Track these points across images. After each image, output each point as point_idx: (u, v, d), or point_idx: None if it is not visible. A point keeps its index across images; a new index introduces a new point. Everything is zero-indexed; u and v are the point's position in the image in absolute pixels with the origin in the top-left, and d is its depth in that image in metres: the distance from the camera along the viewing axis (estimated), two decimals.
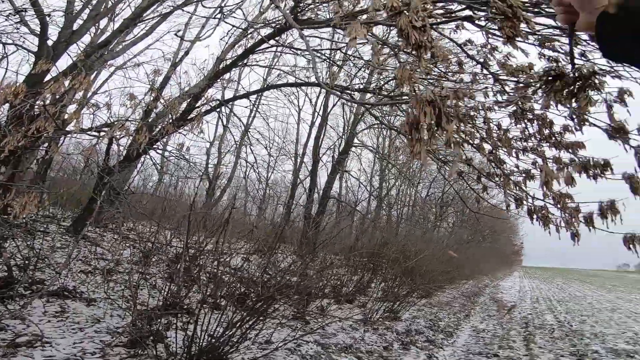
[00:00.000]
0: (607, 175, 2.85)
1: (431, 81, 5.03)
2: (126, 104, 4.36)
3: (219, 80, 7.12)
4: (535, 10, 2.84)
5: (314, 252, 6.92)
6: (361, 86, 8.20)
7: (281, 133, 18.20)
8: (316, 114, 15.23)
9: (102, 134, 3.83)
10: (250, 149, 13.24)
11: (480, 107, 4.02)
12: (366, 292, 6.69)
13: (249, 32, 6.52)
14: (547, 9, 2.87)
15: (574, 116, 2.94)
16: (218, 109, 7.74)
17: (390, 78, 6.06)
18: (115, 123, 3.66)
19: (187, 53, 8.91)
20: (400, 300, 6.05)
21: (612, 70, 2.87)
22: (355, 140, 14.07)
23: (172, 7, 6.52)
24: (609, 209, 2.61)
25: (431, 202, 19.99)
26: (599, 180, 2.94)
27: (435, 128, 1.68)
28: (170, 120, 5.10)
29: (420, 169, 17.45)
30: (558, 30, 3.03)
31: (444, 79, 4.56)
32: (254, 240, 6.12)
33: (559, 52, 3.11)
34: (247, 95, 8.03)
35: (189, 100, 5.99)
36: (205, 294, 3.05)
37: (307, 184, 14.56)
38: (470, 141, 3.97)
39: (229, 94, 9.87)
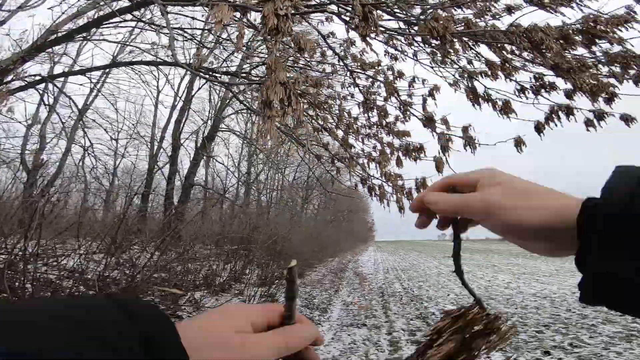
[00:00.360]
0: (422, 157, 3.63)
1: (298, 69, 5.27)
2: None
3: (47, 54, 5.61)
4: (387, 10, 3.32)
5: (178, 243, 6.38)
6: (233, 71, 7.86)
7: (134, 116, 15.68)
8: (178, 96, 13.80)
9: None
10: (84, 132, 10.99)
11: (336, 97, 4.52)
12: (241, 279, 6.64)
13: (100, 3, 5.32)
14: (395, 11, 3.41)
15: (402, 107, 3.61)
16: (40, 86, 6.08)
17: (258, 63, 6.03)
18: None
19: (2, 22, 6.72)
20: (275, 282, 6.27)
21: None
22: (223, 126, 13.47)
23: None
24: (421, 185, 3.35)
25: (298, 186, 21.18)
26: (418, 162, 3.69)
27: (286, 105, 1.81)
28: None
29: (287, 155, 18.14)
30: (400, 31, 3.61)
31: (308, 67, 4.83)
32: (97, 237, 5.18)
33: (399, 50, 3.76)
34: (83, 72, 6.58)
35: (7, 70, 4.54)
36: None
37: (167, 171, 13.14)
38: (325, 127, 4.37)
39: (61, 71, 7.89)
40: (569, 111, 2.82)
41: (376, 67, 4.52)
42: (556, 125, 2.91)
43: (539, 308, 6.20)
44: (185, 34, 6.24)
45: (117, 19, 5.40)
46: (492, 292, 8.32)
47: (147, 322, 0.27)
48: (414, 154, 4.08)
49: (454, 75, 3.55)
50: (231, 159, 18.10)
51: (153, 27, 6.08)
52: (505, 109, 3.11)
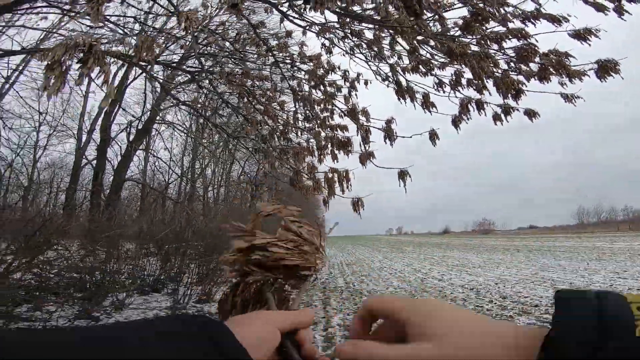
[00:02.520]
0: (350, 149, 3.72)
1: (233, 60, 5.12)
2: None
3: None
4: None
5: (107, 242, 5.86)
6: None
7: (60, 106, 14.10)
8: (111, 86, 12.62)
9: None
10: (2, 123, 9.68)
11: (275, 89, 4.48)
12: (177, 278, 6.30)
13: None
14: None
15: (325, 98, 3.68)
16: None
17: (192, 54, 5.74)
18: None
19: None
20: (212, 280, 6.03)
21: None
22: (161, 118, 12.66)
23: None
24: (344, 178, 3.43)
25: (246, 181, 20.69)
26: (349, 156, 3.77)
27: (81, 65, 1.87)
28: None
29: (234, 149, 17.62)
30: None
31: (241, 58, 4.69)
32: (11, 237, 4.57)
33: (331, 40, 3.82)
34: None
35: None
36: None
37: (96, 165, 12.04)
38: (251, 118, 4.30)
39: None
40: (479, 105, 3.10)
41: (315, 61, 4.55)
42: (469, 118, 3.18)
43: (465, 300, 6.67)
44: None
45: (27, 7, 4.78)
46: (427, 284, 8.86)
47: (210, 329, 0.34)
48: (343, 147, 4.17)
49: (382, 71, 3.69)
50: (172, 154, 17.12)
51: (73, 15, 5.47)
52: (426, 103, 3.31)
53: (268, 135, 4.30)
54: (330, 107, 3.94)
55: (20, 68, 10.99)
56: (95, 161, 12.40)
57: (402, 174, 3.14)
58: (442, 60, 3.47)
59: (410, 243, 37.60)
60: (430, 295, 7.27)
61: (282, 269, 0.47)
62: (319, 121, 4.08)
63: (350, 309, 6.02)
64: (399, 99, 3.48)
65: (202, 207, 13.97)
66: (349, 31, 3.60)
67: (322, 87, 4.01)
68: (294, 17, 3.96)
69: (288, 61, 4.18)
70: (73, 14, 5.61)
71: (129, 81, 12.28)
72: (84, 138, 13.43)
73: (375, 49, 3.80)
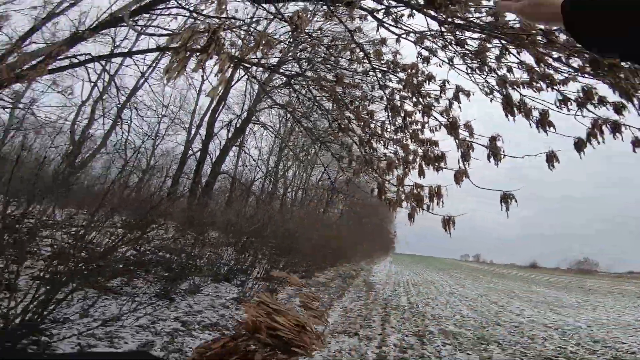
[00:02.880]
0: (443, 166, 3.35)
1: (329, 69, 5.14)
2: None
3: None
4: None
5: (197, 228, 6.45)
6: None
7: (178, 102, 16.37)
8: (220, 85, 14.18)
9: None
10: (137, 112, 11.60)
11: (364, 97, 4.32)
12: (247, 271, 6.62)
13: None
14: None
15: (424, 110, 3.36)
16: (88, 65, 6.46)
17: (290, 58, 5.97)
18: None
19: (73, 4, 7.32)
20: (279, 279, 6.16)
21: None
22: (256, 119, 13.66)
23: None
24: (435, 194, 3.08)
25: (323, 187, 21.07)
26: (440, 172, 3.41)
27: (201, 51, 1.81)
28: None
29: (316, 155, 18.07)
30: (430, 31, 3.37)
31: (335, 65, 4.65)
32: (127, 214, 5.35)
33: (430, 50, 3.51)
34: (128, 54, 6.89)
35: (51, 53, 4.86)
36: (45, 268, 2.49)
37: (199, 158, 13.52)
38: (348, 127, 4.18)
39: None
40: (615, 127, 2.45)
41: (409, 70, 4.29)
42: (598, 143, 2.54)
43: (546, 339, 5.69)
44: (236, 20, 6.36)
45: (162, 7, 5.58)
46: (501, 317, 7.80)
47: None
48: (435, 163, 3.81)
49: (488, 84, 3.24)
50: (260, 154, 18.37)
51: (195, 13, 6.21)
52: (543, 122, 2.77)
53: (357, 143, 4.17)
54: (426, 119, 3.62)
55: (154, 65, 13.09)
56: (198, 153, 13.95)
57: (506, 197, 2.69)
58: (566, 74, 2.89)
59: (489, 273, 33.98)
60: (504, 330, 6.31)
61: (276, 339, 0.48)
62: (409, 132, 3.79)
63: (409, 331, 5.56)
64: (506, 115, 3.01)
65: (279, 207, 14.61)
66: (453, 39, 3.27)
67: (417, 97, 3.72)
68: (390, 25, 3.78)
69: (384, 68, 4.00)
70: (197, 14, 6.36)
71: (233, 82, 13.56)
72: (192, 131, 15.33)
73: (479, 59, 3.38)
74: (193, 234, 6.43)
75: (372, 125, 4.39)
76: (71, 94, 12.07)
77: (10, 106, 6.09)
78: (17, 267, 2.55)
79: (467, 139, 3.21)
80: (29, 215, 3.61)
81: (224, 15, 1.88)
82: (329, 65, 5.24)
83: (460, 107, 3.46)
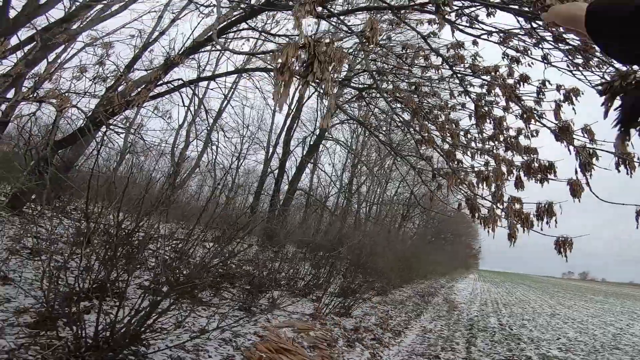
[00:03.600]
0: (551, 177, 2.97)
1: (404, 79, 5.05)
2: (76, 77, 4.09)
3: (189, 61, 6.87)
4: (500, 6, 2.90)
5: (276, 243, 6.84)
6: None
7: (256, 122, 17.88)
8: (292, 104, 15.07)
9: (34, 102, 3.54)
10: (224, 134, 12.95)
11: (443, 106, 4.11)
12: (322, 286, 6.71)
13: (224, 13, 6.30)
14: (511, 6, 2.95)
15: (525, 115, 3.04)
16: (181, 90, 7.43)
17: (359, 70, 6.03)
18: (58, 93, 3.39)
19: (162, 33, 8.64)
20: (354, 296, 6.11)
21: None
22: (329, 135, 14.04)
23: None
24: (545, 211, 2.71)
25: (398, 202, 20.44)
26: (545, 185, 3.04)
27: (305, 70, 1.62)
28: (123, 95, 4.83)
29: (390, 169, 17.73)
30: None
31: (406, 70, 4.53)
32: (216, 228, 5.96)
33: (519, 51, 3.22)
34: (212, 78, 7.77)
35: (148, 82, 5.72)
36: (154, 279, 2.88)
37: (277, 175, 14.38)
38: (428, 138, 4.00)
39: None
40: None
41: (492, 73, 3.98)
42: None
43: None
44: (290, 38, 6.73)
45: (234, 28, 6.17)
46: (620, 340, 6.62)
47: None
48: (540, 174, 3.39)
49: (603, 77, 2.79)
50: (334, 169, 18.74)
51: (264, 34, 6.74)
52: None
53: (442, 155, 3.97)
54: (525, 125, 3.28)
55: (234, 87, 14.51)
56: (277, 171, 14.86)
57: None
58: None
59: (600, 292, 28.74)
60: (621, 354, 5.46)
61: None
62: (503, 141, 3.47)
63: (501, 355, 4.96)
64: None
65: (354, 222, 14.59)
66: (549, 35, 2.94)
67: (512, 101, 3.39)
68: (465, 26, 3.56)
69: (468, 71, 3.77)
70: (266, 35, 6.87)
71: (304, 100, 14.22)
72: (270, 150, 16.43)
73: (586, 55, 2.97)
74: (273, 248, 6.83)
75: (458, 135, 4.14)
76: (170, 118, 14.04)
77: (124, 132, 7.28)
78: (127, 277, 2.99)
79: (587, 145, 2.80)
80: (139, 229, 4.26)
81: (303, 32, 1.78)
82: (401, 75, 5.14)
83: (574, 110, 3.05)
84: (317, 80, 1.66)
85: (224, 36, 6.32)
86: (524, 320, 8.69)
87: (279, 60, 1.58)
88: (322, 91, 1.72)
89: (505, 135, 3.79)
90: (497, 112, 3.93)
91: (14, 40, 5.14)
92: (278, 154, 15.52)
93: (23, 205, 5.60)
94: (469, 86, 4.12)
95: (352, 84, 6.10)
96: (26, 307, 2.74)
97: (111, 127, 6.12)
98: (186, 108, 12.90)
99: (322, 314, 5.17)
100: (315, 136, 14.32)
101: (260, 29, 7.25)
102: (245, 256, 5.69)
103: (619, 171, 2.71)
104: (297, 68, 1.62)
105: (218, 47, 6.74)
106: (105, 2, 6.69)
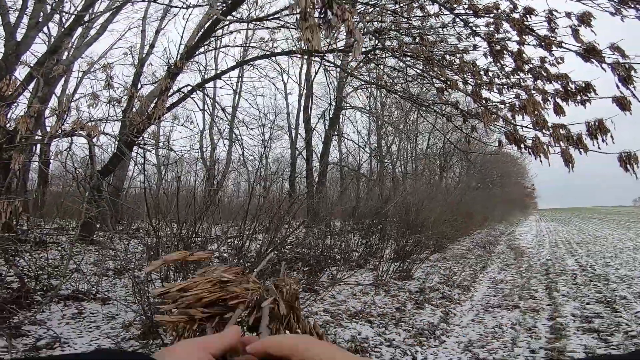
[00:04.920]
0: (592, 96, 2.75)
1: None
2: (91, 104, 4.26)
3: (190, 66, 6.89)
4: None
5: (321, 221, 6.91)
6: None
7: (271, 110, 17.88)
8: (301, 85, 14.84)
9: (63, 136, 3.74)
10: (245, 127, 13.13)
11: (454, 51, 3.85)
12: (376, 254, 6.74)
13: (206, 12, 6.21)
14: None
15: (544, 43, 2.81)
16: (193, 95, 7.50)
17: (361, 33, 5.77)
18: (84, 123, 3.56)
19: (152, 46, 8.77)
20: (411, 257, 6.08)
21: None
22: (346, 104, 13.73)
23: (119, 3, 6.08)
24: (597, 129, 2.53)
25: (433, 154, 19.80)
26: (587, 105, 2.83)
27: (328, 13, 1.61)
28: (143, 117, 4.97)
29: (415, 123, 17.11)
30: None
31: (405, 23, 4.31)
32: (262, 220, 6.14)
33: None
34: (217, 77, 7.79)
35: (159, 93, 5.79)
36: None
37: (305, 154, 14.44)
38: (448, 81, 3.80)
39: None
40: None
41: (495, 10, 3.64)
42: None
43: None
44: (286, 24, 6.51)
45: (222, 24, 6.06)
46: None
47: None
48: (579, 95, 3.13)
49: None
50: (360, 136, 18.42)
51: (254, 23, 6.56)
52: None
53: (470, 95, 3.77)
54: (551, 52, 3.02)
55: (240, 80, 14.66)
56: (304, 151, 14.90)
57: None
58: None
59: None
60: None
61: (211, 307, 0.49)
62: (529, 70, 3.23)
63: (590, 297, 4.72)
64: None
65: (392, 184, 14.40)
66: None
67: (524, 34, 3.13)
68: None
69: (470, 13, 3.49)
70: (258, 22, 6.65)
71: (312, 76, 13.91)
72: (293, 133, 16.43)
73: None
74: (320, 227, 6.93)
75: (479, 73, 3.89)
76: (191, 123, 14.45)
77: (154, 147, 7.58)
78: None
79: (621, 60, 2.53)
80: (196, 234, 4.51)
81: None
82: (402, 30, 4.85)
83: (593, 32, 2.77)
84: (339, 22, 1.65)
85: (213, 35, 6.25)
86: (606, 258, 8.12)
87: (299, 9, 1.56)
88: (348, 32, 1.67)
89: (529, 65, 3.53)
90: (513, 46, 3.65)
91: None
92: (301, 135, 15.50)
93: (93, 234, 6.11)
94: (475, 27, 3.81)
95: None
96: (130, 321, 3.03)
97: (142, 146, 6.36)
98: (202, 111, 13.15)
99: (383, 281, 5.23)
100: (332, 108, 14.06)
101: (247, 19, 7.08)
102: (297, 240, 5.84)
103: None
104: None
105: (212, 46, 6.69)
106: (80, 29, 6.66)
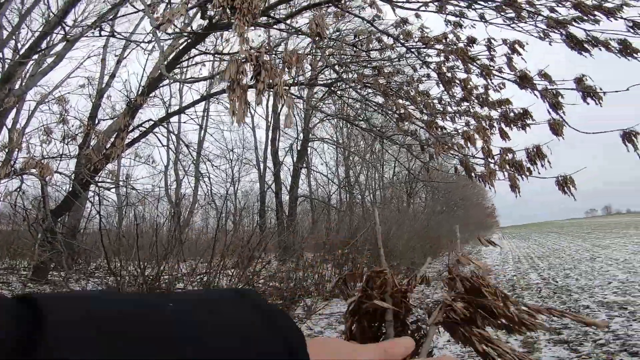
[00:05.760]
0: (529, 122, 3.08)
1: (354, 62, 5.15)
2: (44, 141, 4.11)
3: (153, 99, 6.85)
4: None
5: (292, 254, 6.88)
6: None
7: (239, 143, 17.98)
8: (269, 117, 15.16)
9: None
10: (211, 164, 12.97)
11: (411, 81, 4.23)
12: (350, 284, 6.72)
13: (170, 44, 6.29)
14: None
15: (484, 72, 3.17)
16: (155, 130, 7.38)
17: (322, 67, 6.12)
18: (36, 161, 3.43)
19: (112, 77, 8.58)
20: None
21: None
22: (313, 136, 14.12)
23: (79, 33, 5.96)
24: (536, 155, 2.81)
25: (400, 182, 20.54)
26: (527, 130, 3.14)
27: (255, 81, 1.71)
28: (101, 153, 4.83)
29: (381, 152, 17.83)
30: None
31: (362, 59, 4.67)
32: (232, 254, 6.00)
33: (457, 15, 3.36)
34: (181, 111, 7.83)
35: (118, 130, 5.63)
36: None
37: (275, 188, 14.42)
38: (404, 114, 4.13)
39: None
40: None
41: (443, 40, 4.11)
42: None
43: None
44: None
45: (190, 56, 6.15)
46: None
47: (287, 333, 0.29)
48: (518, 121, 3.51)
49: (540, 29, 2.94)
50: (328, 167, 18.84)
51: (220, 56, 6.73)
52: (626, 49, 2.37)
53: (424, 127, 4.08)
54: (488, 80, 3.40)
55: (205, 115, 14.65)
56: (273, 184, 14.92)
57: (629, 136, 2.37)
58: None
59: (630, 225, 28.40)
60: None
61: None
62: (475, 100, 3.59)
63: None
64: (580, 52, 2.67)
65: (362, 213, 14.65)
66: None
67: (468, 63, 3.53)
68: (402, 2, 3.67)
69: (420, 44, 3.90)
70: (220, 55, 6.80)
71: (279, 109, 14.29)
72: (261, 166, 16.48)
73: (514, 7, 3.10)
74: (292, 259, 6.88)
75: (432, 104, 4.26)
76: (153, 162, 13.97)
77: (113, 186, 7.20)
78: None
79: (549, 87, 2.91)
80: (163, 272, 4.32)
81: (246, 47, 1.83)
82: (362, 62, 5.24)
83: (523, 59, 3.19)
84: (269, 88, 1.74)
85: (178, 66, 6.30)
86: (566, 270, 8.54)
87: (227, 79, 1.64)
88: (278, 94, 1.79)
89: (475, 93, 3.92)
90: (461, 75, 4.09)
91: None
92: (270, 168, 15.57)
93: (46, 275, 5.62)
94: (426, 57, 4.26)
95: (319, 82, 6.17)
96: None
97: (99, 185, 6.03)
98: (166, 147, 12.90)
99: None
100: (299, 141, 14.39)
101: (212, 52, 7.29)
102: (269, 273, 5.74)
103: (587, 103, 2.82)
104: (247, 82, 1.70)
105: (172, 79, 6.74)
106: (35, 57, 6.37)
